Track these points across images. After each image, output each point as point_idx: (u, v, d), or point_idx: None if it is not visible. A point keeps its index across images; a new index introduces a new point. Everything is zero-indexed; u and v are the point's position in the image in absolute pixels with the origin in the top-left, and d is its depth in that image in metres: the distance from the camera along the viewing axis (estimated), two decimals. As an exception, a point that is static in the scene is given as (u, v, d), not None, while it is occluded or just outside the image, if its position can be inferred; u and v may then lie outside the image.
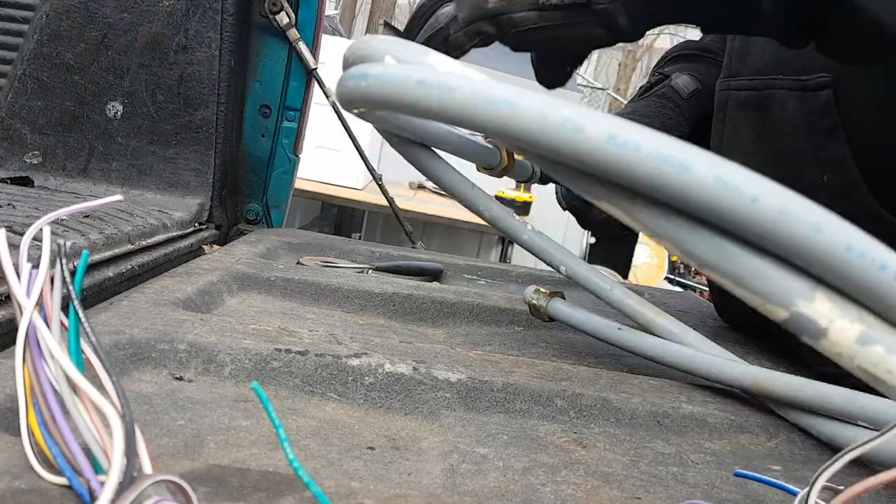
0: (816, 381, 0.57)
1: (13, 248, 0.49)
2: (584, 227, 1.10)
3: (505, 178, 0.91)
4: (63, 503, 0.31)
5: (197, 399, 0.53)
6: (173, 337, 0.59)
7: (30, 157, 1.05)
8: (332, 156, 2.82)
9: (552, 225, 3.13)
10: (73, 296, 0.35)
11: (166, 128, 1.06)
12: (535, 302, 0.78)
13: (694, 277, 5.04)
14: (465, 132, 0.73)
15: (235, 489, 0.34)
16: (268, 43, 1.18)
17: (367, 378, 0.59)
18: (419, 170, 0.72)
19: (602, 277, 0.73)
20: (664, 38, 11.83)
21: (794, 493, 0.33)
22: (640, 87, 0.99)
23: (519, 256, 3.53)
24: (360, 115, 0.47)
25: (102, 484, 0.29)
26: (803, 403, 0.57)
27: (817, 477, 0.30)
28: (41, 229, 0.38)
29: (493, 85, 0.34)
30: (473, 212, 0.73)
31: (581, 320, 0.75)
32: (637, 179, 0.30)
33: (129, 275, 0.77)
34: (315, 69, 1.20)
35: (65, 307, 0.36)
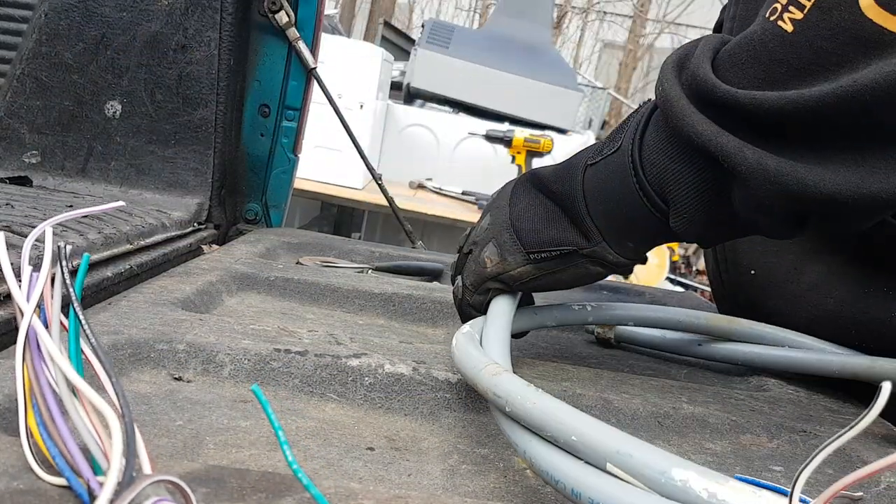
0: None
1: (13, 248, 0.49)
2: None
3: (503, 176, 0.92)
4: (62, 503, 0.31)
5: (196, 399, 0.53)
6: (172, 337, 0.59)
7: (28, 156, 1.05)
8: (331, 155, 2.82)
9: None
10: (74, 298, 0.35)
11: (165, 127, 1.06)
12: (603, 336, 0.84)
13: (695, 277, 5.04)
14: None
15: (234, 490, 0.34)
16: (267, 42, 1.18)
17: (366, 378, 0.59)
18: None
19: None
20: (665, 38, 11.84)
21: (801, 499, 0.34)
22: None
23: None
24: None
25: (101, 484, 0.29)
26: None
27: (798, 475, 0.30)
28: (43, 231, 0.38)
29: None
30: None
31: (658, 340, 0.81)
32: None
33: (128, 275, 0.77)
34: (314, 68, 1.20)
35: (64, 307, 0.36)
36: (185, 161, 1.07)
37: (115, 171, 1.06)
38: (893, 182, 0.48)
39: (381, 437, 0.52)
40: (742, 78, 0.51)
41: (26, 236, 0.39)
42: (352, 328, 0.77)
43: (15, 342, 0.35)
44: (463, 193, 3.14)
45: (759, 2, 0.71)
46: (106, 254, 0.75)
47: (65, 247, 0.37)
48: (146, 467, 0.31)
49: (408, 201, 2.86)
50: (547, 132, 3.26)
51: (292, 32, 1.16)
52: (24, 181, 1.01)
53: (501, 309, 0.64)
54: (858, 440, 0.58)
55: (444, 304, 0.86)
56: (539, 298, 0.75)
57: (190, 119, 1.06)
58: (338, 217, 3.51)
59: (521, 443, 0.43)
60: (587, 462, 0.38)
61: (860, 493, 0.50)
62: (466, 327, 0.60)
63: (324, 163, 2.83)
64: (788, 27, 0.49)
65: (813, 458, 0.30)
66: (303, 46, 1.17)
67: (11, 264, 0.39)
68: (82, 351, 0.35)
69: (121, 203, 0.45)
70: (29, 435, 0.34)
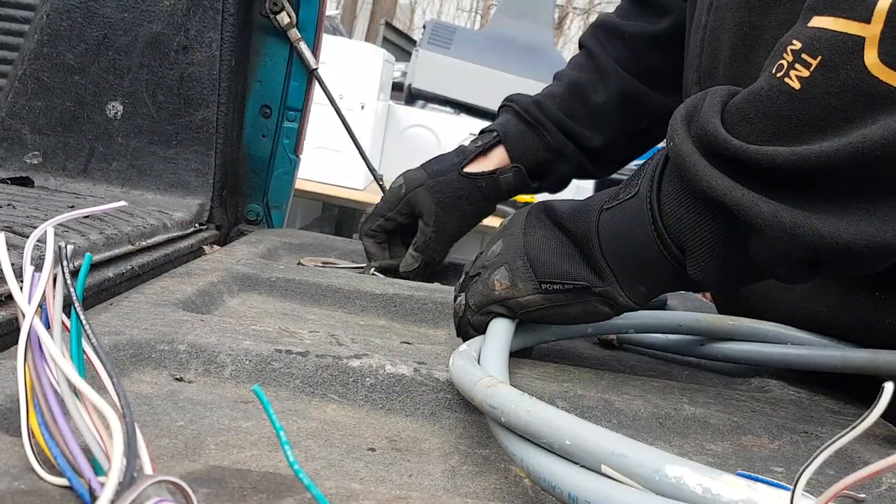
0: None
1: (14, 248, 0.49)
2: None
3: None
4: (63, 503, 0.31)
5: (197, 400, 0.53)
6: (173, 338, 0.59)
7: (30, 157, 1.05)
8: (332, 156, 2.82)
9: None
10: (75, 298, 0.35)
11: (167, 128, 1.06)
12: (605, 337, 0.83)
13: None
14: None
15: (236, 490, 0.34)
16: (268, 43, 1.18)
17: (367, 379, 0.59)
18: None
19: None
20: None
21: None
22: (476, 146, 1.05)
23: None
24: None
25: (103, 485, 0.29)
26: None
27: (800, 475, 0.30)
28: (44, 231, 0.38)
29: None
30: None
31: (660, 341, 0.81)
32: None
33: (130, 275, 0.77)
34: (316, 69, 1.20)
35: (66, 307, 0.36)
36: (187, 162, 1.07)
37: (116, 171, 1.06)
38: None
39: (383, 438, 0.52)
40: (751, 132, 0.52)
41: (28, 237, 0.39)
42: (353, 329, 0.77)
43: (16, 342, 0.35)
44: (464, 194, 3.14)
45: (729, 13, 0.72)
46: (107, 254, 0.75)
47: (66, 247, 0.37)
48: (147, 468, 0.31)
49: (409, 202, 2.86)
50: (548, 133, 3.25)
51: (294, 33, 1.16)
52: (25, 182, 1.01)
53: (501, 327, 0.64)
54: (860, 441, 0.58)
55: (445, 305, 0.86)
56: None
57: (191, 120, 1.06)
58: (339, 218, 3.52)
59: (517, 452, 0.43)
60: (583, 466, 0.38)
61: (864, 495, 0.50)
62: (464, 346, 0.60)
63: (325, 163, 2.83)
64: (796, 84, 0.50)
65: (814, 458, 0.30)
66: (304, 47, 1.17)
67: (13, 265, 0.39)
68: (84, 351, 0.35)
69: (122, 203, 0.46)
70: (30, 435, 0.34)
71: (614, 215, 0.61)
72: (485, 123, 3.35)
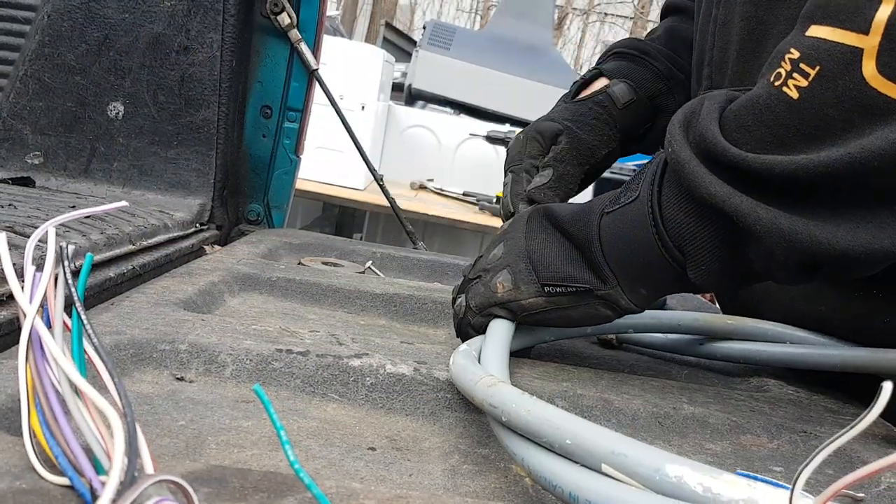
0: None
1: (16, 248, 0.49)
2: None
3: (502, 177, 0.93)
4: (64, 503, 0.31)
5: (198, 399, 0.54)
6: (174, 337, 0.59)
7: (31, 157, 1.05)
8: (333, 156, 2.82)
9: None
10: (76, 298, 0.35)
11: (168, 128, 1.06)
12: (605, 337, 0.83)
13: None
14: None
15: (236, 490, 0.34)
16: (269, 43, 1.18)
17: (368, 379, 0.59)
18: None
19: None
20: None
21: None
22: (577, 83, 0.96)
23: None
24: None
25: (104, 484, 0.29)
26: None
27: (799, 474, 0.30)
28: (45, 231, 0.38)
29: None
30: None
31: (659, 340, 0.81)
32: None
33: (131, 275, 0.77)
34: (316, 69, 1.20)
35: (67, 307, 0.36)
36: (188, 162, 1.07)
37: (117, 171, 1.06)
38: None
39: (383, 437, 0.53)
40: (750, 140, 0.52)
41: (29, 237, 0.39)
42: (353, 329, 0.77)
43: (18, 342, 0.35)
44: (464, 194, 3.14)
45: (738, 7, 0.71)
46: (108, 254, 0.75)
47: (67, 247, 0.37)
48: (148, 467, 0.31)
49: (409, 202, 2.87)
50: (548, 133, 3.26)
51: (294, 34, 1.16)
52: (26, 182, 1.01)
53: (501, 327, 0.64)
54: (858, 440, 0.58)
55: (445, 304, 0.87)
56: None
57: (192, 120, 1.06)
58: (339, 218, 3.52)
59: (518, 451, 0.43)
60: (583, 465, 0.38)
61: (862, 494, 0.50)
62: (464, 346, 0.60)
63: (325, 164, 2.84)
64: (794, 94, 0.50)
65: (813, 457, 0.30)
66: (304, 48, 1.17)
67: (14, 265, 0.39)
68: (85, 351, 0.35)
69: (123, 203, 0.46)
70: (32, 435, 0.34)
71: (615, 219, 0.61)
72: (485, 123, 3.35)
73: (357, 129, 1.42)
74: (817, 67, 0.49)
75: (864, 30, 0.47)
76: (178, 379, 0.57)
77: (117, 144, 1.06)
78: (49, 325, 0.35)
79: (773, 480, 0.34)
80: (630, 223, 0.60)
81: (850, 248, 0.49)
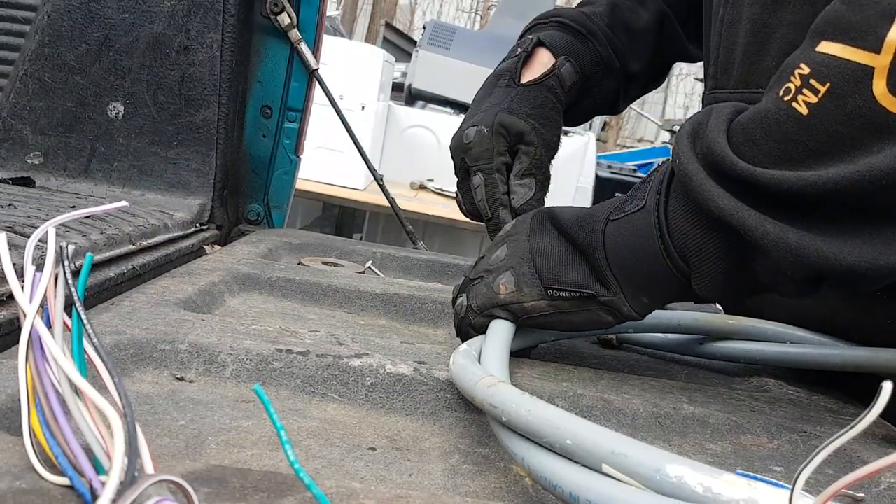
0: None
1: (16, 248, 0.49)
2: None
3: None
4: (64, 503, 0.31)
5: (198, 399, 0.54)
6: (174, 337, 0.59)
7: (31, 157, 1.05)
8: (333, 156, 2.82)
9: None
10: (76, 298, 0.35)
11: (168, 128, 1.06)
12: (605, 337, 0.83)
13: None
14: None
15: (237, 490, 0.34)
16: (269, 43, 1.18)
17: (368, 378, 0.59)
18: None
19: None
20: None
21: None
22: (517, 56, 0.90)
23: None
24: None
25: (104, 484, 0.29)
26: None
27: (798, 474, 0.30)
28: (45, 231, 0.38)
29: None
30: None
31: (659, 340, 0.81)
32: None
33: (131, 275, 0.77)
34: (316, 69, 1.20)
35: (67, 307, 0.36)
36: (188, 162, 1.07)
37: (117, 171, 1.06)
38: None
39: (383, 437, 0.53)
40: (758, 154, 0.52)
41: (29, 237, 0.39)
42: (353, 328, 0.77)
43: (18, 342, 0.35)
44: (464, 194, 3.14)
45: (746, 8, 0.71)
46: (108, 254, 0.75)
47: (67, 247, 0.37)
48: (148, 467, 0.31)
49: (409, 202, 2.87)
50: (548, 133, 3.26)
51: (294, 34, 1.16)
52: (26, 182, 1.01)
53: (501, 327, 0.64)
54: (858, 441, 0.58)
55: (445, 304, 0.87)
56: None
57: (192, 120, 1.06)
58: (339, 218, 3.52)
59: (518, 451, 0.43)
60: (584, 465, 0.38)
61: (862, 494, 0.50)
62: (464, 346, 0.60)
63: (325, 164, 2.84)
64: (804, 110, 0.50)
65: (813, 457, 0.30)
66: (304, 48, 1.17)
67: (14, 265, 0.39)
68: (85, 351, 0.35)
69: (123, 203, 0.46)
70: (32, 435, 0.34)
71: (621, 227, 0.61)
72: (485, 123, 3.36)
73: (357, 129, 1.42)
74: (827, 84, 0.49)
75: (877, 48, 0.47)
76: (178, 379, 0.57)
77: (117, 144, 1.06)
78: (49, 325, 0.35)
79: (774, 480, 0.34)
80: (636, 232, 0.60)
81: (857, 263, 0.49)
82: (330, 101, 1.31)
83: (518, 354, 0.70)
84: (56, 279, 0.37)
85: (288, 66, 1.19)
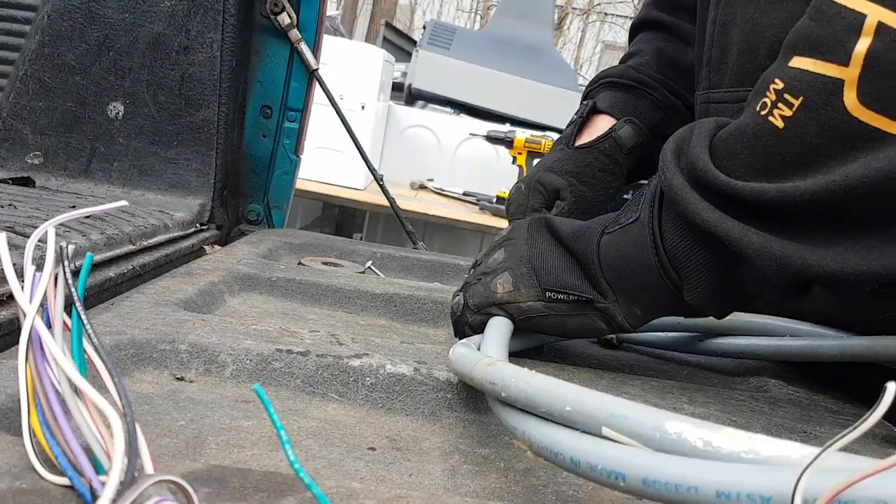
0: None
1: (15, 248, 0.49)
2: None
3: (505, 177, 0.93)
4: (64, 503, 0.31)
5: (198, 399, 0.54)
6: (174, 337, 0.59)
7: (31, 157, 1.05)
8: (333, 156, 2.82)
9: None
10: (76, 298, 0.35)
11: (168, 128, 1.06)
12: (605, 337, 0.83)
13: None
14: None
15: (237, 490, 0.34)
16: (269, 43, 1.18)
17: (368, 379, 0.59)
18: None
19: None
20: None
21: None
22: (574, 123, 0.93)
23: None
24: None
25: (104, 484, 0.29)
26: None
27: (800, 475, 0.30)
28: (45, 231, 0.38)
29: None
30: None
31: (658, 338, 0.82)
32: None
33: (131, 275, 0.77)
34: (316, 69, 1.20)
35: (67, 307, 0.36)
36: (188, 162, 1.07)
37: (117, 171, 1.06)
38: (889, 259, 0.51)
39: (383, 437, 0.53)
40: (738, 167, 0.54)
41: (29, 236, 0.39)
42: (353, 329, 0.77)
43: (18, 342, 0.35)
44: (464, 194, 3.14)
45: (739, 9, 0.71)
46: (108, 254, 0.75)
47: (67, 247, 0.37)
48: (148, 467, 0.31)
49: (409, 202, 2.86)
50: (548, 133, 3.26)
51: (294, 34, 1.16)
52: (26, 182, 1.01)
53: (500, 323, 0.64)
54: (858, 441, 0.57)
55: (445, 304, 0.86)
56: None
57: (192, 120, 1.06)
58: (339, 218, 3.52)
59: (519, 425, 0.43)
60: (584, 431, 0.38)
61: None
62: (463, 341, 0.61)
63: (325, 164, 2.83)
64: (779, 123, 0.52)
65: (814, 459, 0.30)
66: (305, 48, 1.17)
67: (14, 265, 0.39)
68: (85, 351, 0.35)
69: (123, 203, 0.46)
70: (32, 435, 0.34)
71: (615, 238, 0.63)
72: (485, 123, 3.36)
73: (357, 129, 1.42)
74: (801, 98, 0.50)
75: (845, 61, 0.48)
76: (178, 379, 0.57)
77: (117, 144, 1.06)
78: (49, 325, 0.35)
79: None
80: (631, 244, 0.61)
81: (840, 270, 0.51)
82: (330, 101, 1.31)
83: (518, 355, 0.70)
84: (56, 279, 0.36)
85: (288, 66, 1.19)
